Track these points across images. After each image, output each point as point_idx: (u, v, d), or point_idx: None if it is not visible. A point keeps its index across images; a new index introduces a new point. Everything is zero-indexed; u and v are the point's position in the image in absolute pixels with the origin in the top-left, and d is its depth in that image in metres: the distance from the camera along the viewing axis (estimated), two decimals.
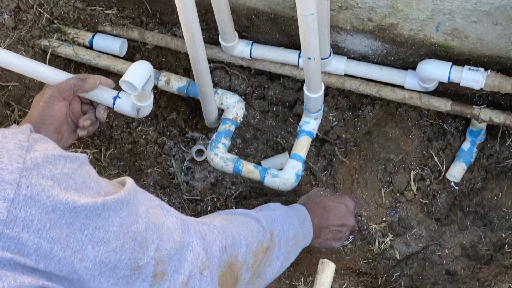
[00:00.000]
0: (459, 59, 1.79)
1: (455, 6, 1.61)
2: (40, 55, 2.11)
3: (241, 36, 1.98)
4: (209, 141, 1.93)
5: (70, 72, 2.15)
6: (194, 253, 1.19)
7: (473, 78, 1.73)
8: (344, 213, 1.83)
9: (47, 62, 2.08)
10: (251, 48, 1.96)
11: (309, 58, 1.59)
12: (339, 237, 1.83)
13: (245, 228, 1.41)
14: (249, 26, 1.98)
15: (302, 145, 1.91)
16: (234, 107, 1.96)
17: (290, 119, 2.11)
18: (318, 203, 1.82)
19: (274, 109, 2.13)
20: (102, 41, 2.08)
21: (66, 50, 2.07)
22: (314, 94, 1.78)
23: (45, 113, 1.53)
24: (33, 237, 0.93)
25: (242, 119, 1.98)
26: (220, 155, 1.90)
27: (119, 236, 1.03)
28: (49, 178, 0.96)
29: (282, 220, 1.54)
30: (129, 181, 1.10)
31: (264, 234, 1.45)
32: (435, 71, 1.76)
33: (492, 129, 1.98)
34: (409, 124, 2.08)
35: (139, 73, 1.47)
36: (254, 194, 2.10)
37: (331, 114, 2.05)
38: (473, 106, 1.86)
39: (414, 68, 1.86)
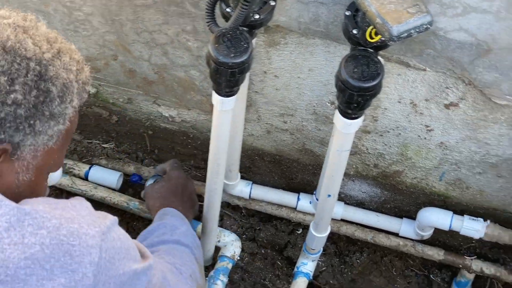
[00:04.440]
0: (456, 209, 1.86)
1: (463, 157, 1.70)
2: None
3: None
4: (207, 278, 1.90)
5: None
6: None
7: (474, 227, 1.80)
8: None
9: None
10: (251, 188, 1.99)
11: (329, 196, 1.63)
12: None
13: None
14: (249, 167, 2.03)
15: (299, 286, 1.91)
16: (232, 245, 1.96)
17: (278, 262, 2.11)
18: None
19: (263, 251, 2.13)
20: (99, 173, 2.06)
21: (61, 180, 2.04)
22: (320, 234, 1.80)
23: None
24: None
25: (238, 258, 1.97)
26: None
27: None
28: (117, 239, 1.05)
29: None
30: (149, 255, 1.18)
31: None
32: (437, 219, 1.83)
33: (478, 282, 2.03)
34: (394, 273, 2.11)
35: None
36: None
37: (320, 259, 2.07)
38: (465, 256, 1.93)
39: (408, 217, 1.93)
